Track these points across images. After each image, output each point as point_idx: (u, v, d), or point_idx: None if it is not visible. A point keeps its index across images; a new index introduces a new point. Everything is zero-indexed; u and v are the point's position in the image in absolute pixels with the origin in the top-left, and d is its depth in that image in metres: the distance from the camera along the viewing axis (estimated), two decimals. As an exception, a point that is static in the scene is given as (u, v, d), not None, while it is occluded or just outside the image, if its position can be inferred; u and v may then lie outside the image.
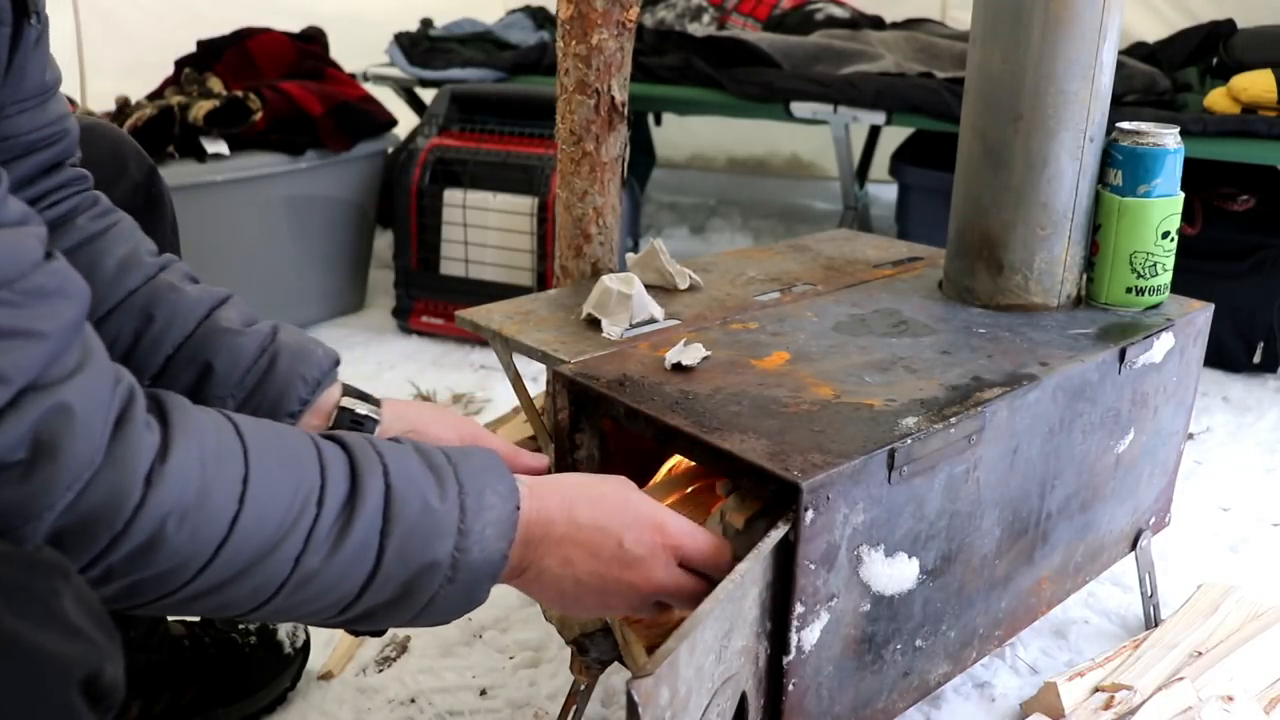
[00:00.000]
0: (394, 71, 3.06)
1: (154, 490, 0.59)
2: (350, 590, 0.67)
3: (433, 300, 2.55)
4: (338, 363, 0.98)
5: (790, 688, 0.92)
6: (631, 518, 0.79)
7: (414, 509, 0.68)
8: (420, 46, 3.11)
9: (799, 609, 0.90)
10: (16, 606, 0.52)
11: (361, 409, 0.96)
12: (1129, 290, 1.28)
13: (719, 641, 0.82)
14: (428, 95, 3.00)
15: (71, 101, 2.39)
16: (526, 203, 2.40)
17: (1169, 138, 1.25)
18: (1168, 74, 2.54)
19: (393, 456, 0.70)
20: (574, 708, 1.16)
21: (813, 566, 0.90)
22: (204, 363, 0.89)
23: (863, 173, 3.47)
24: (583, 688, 1.15)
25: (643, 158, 3.55)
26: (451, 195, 2.47)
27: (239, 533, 0.62)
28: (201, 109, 2.36)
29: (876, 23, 3.13)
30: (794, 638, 0.90)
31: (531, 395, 1.28)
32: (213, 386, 0.89)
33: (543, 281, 2.41)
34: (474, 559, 0.70)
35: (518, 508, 0.74)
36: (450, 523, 0.69)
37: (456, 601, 0.71)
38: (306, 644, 1.36)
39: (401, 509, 0.67)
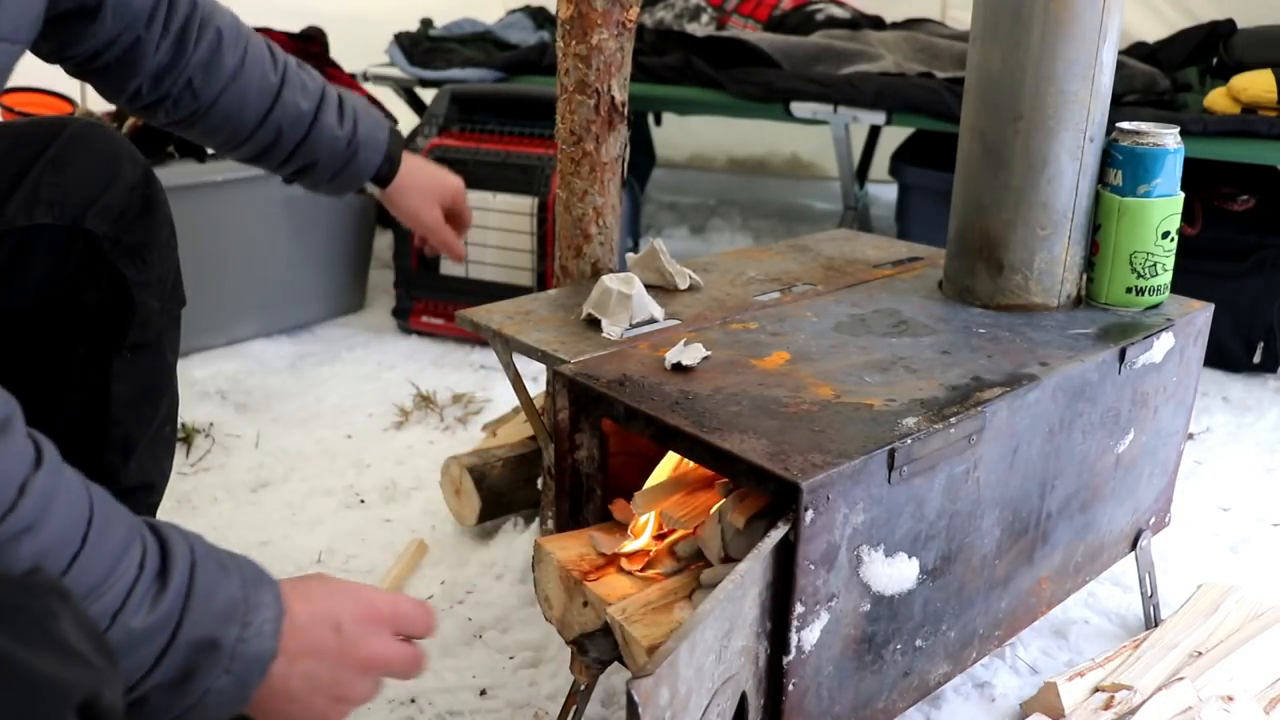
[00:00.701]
0: (394, 71, 3.06)
1: (23, 500, 0.62)
2: (144, 663, 0.67)
3: (433, 300, 2.55)
4: (394, 128, 1.37)
5: (790, 688, 0.92)
6: (352, 601, 0.80)
7: (212, 588, 0.70)
8: (420, 46, 3.11)
9: (799, 609, 0.90)
10: (13, 630, 0.52)
11: (372, 190, 1.39)
12: (1129, 290, 1.28)
13: (719, 641, 0.82)
14: (428, 95, 3.00)
15: (71, 102, 2.39)
16: (526, 203, 2.40)
17: (1169, 138, 1.25)
18: (1168, 74, 2.54)
19: (197, 542, 0.73)
20: (574, 708, 1.16)
21: (813, 566, 0.90)
22: (312, 160, 1.28)
23: (863, 173, 3.47)
24: (583, 688, 1.15)
25: (643, 158, 3.55)
26: (451, 195, 2.47)
27: (75, 571, 0.64)
28: (201, 109, 2.35)
29: (876, 23, 3.13)
30: (794, 638, 0.90)
31: (531, 395, 1.28)
32: (316, 174, 1.31)
33: (543, 281, 2.41)
34: (251, 650, 0.71)
35: (283, 614, 0.75)
36: (238, 611, 0.71)
37: (226, 698, 0.70)
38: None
39: (202, 587, 0.69)
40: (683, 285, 1.35)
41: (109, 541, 0.66)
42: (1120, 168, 1.26)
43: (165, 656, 0.67)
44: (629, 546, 1.08)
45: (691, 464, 1.12)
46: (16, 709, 0.50)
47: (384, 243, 3.02)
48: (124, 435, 1.12)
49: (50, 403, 1.08)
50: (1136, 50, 2.79)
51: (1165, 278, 1.29)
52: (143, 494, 1.17)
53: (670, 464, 1.19)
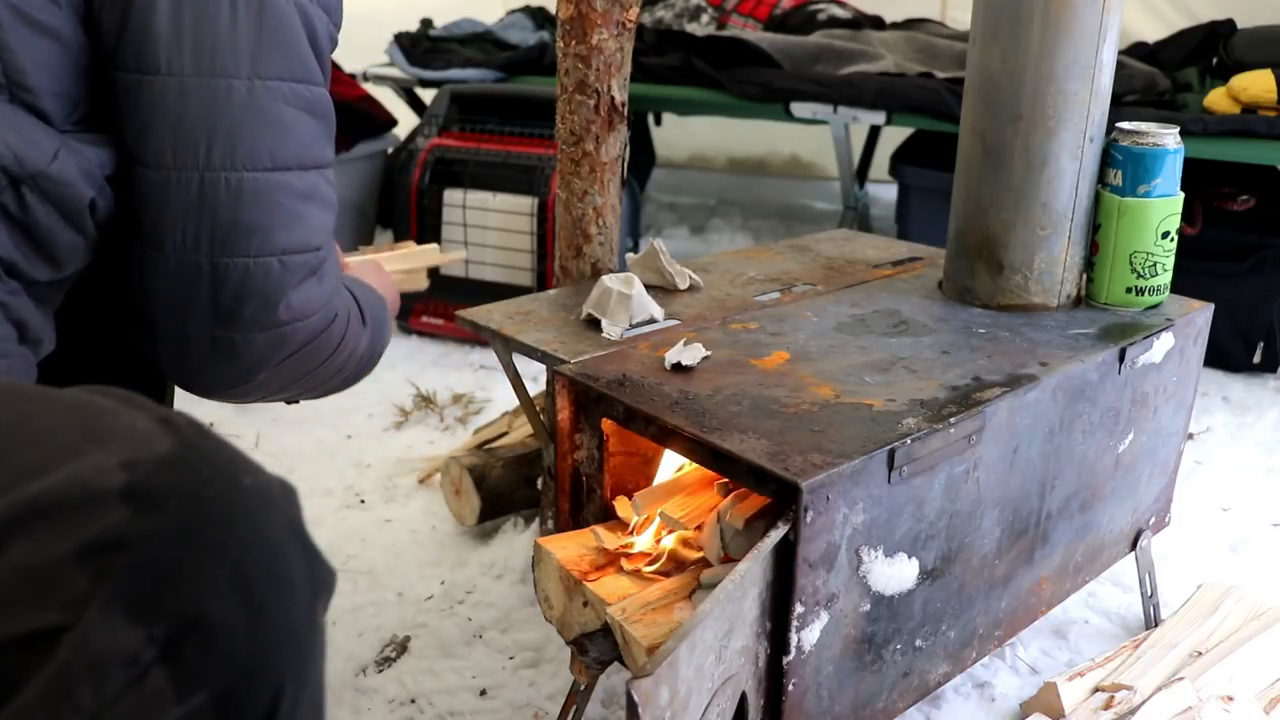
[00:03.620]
0: (394, 71, 3.06)
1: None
2: (355, 364, 1.03)
3: (433, 300, 2.55)
4: None
5: (790, 688, 0.92)
6: (392, 299, 1.21)
7: (378, 320, 1.05)
8: (420, 46, 3.11)
9: (799, 609, 0.90)
10: (296, 510, 0.59)
11: None
12: (1129, 290, 1.28)
13: (719, 641, 0.82)
14: (428, 95, 3.00)
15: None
16: (526, 203, 2.40)
17: (1169, 138, 1.25)
18: (1168, 74, 2.54)
19: (359, 289, 1.04)
20: (574, 708, 1.16)
21: (812, 567, 0.90)
22: None
23: (863, 173, 3.47)
24: (583, 688, 1.15)
25: (643, 158, 3.55)
26: (451, 195, 2.47)
27: (350, 332, 0.98)
28: (201, 109, 2.35)
29: (877, 23, 3.13)
30: (794, 638, 0.90)
31: (531, 395, 1.27)
32: None
33: (543, 281, 2.41)
34: (388, 342, 1.10)
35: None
36: (386, 326, 1.08)
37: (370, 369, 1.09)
38: (307, 644, 1.36)
39: (372, 320, 1.03)
40: (683, 285, 1.35)
41: (354, 309, 0.99)
42: (1120, 168, 1.26)
43: (362, 362, 1.04)
44: (630, 541, 1.08)
45: (695, 466, 1.12)
46: (310, 572, 0.58)
47: (384, 243, 3.02)
48: None
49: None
50: (1136, 50, 2.79)
51: (1165, 278, 1.29)
52: None
53: (674, 465, 1.19)
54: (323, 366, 0.97)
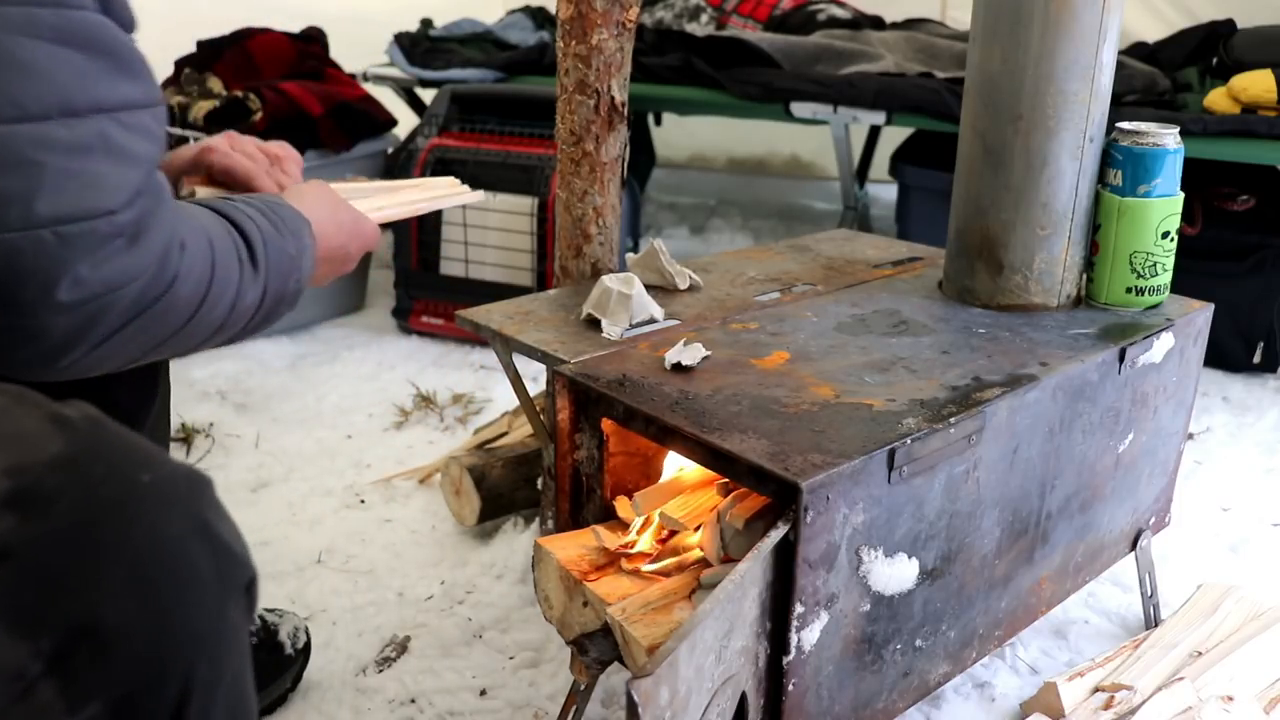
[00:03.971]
0: (394, 71, 3.06)
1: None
2: (250, 318, 0.88)
3: (433, 300, 2.55)
4: None
5: (790, 688, 0.92)
6: (356, 235, 1.06)
7: (279, 256, 0.90)
8: (420, 46, 3.11)
9: (799, 609, 0.90)
10: (206, 502, 0.57)
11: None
12: (1129, 290, 1.28)
13: (719, 641, 0.82)
14: (428, 95, 3.00)
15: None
16: (526, 203, 2.40)
17: (1169, 138, 1.25)
18: (1168, 74, 2.54)
19: (258, 219, 0.89)
20: (574, 708, 1.16)
21: (812, 567, 0.90)
22: None
23: (863, 173, 3.47)
24: (583, 688, 1.15)
25: (643, 158, 3.55)
26: (451, 195, 2.47)
27: (214, 289, 0.82)
28: (201, 109, 2.36)
29: (877, 23, 3.14)
30: (794, 638, 0.90)
31: (531, 395, 1.27)
32: None
33: (543, 281, 2.41)
34: (302, 285, 0.94)
35: (315, 250, 0.96)
36: (295, 263, 0.91)
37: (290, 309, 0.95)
38: (307, 645, 1.36)
39: (274, 259, 0.89)
40: (683, 285, 1.35)
41: (227, 260, 0.84)
42: (1120, 168, 1.26)
43: (257, 313, 0.88)
44: (631, 541, 1.08)
45: (696, 467, 1.12)
46: (217, 569, 0.55)
47: (384, 243, 3.02)
48: (126, 417, 1.12)
49: (47, 389, 1.08)
50: (1136, 50, 2.79)
51: (1165, 278, 1.29)
52: None
53: (677, 465, 1.19)
54: (186, 329, 0.82)
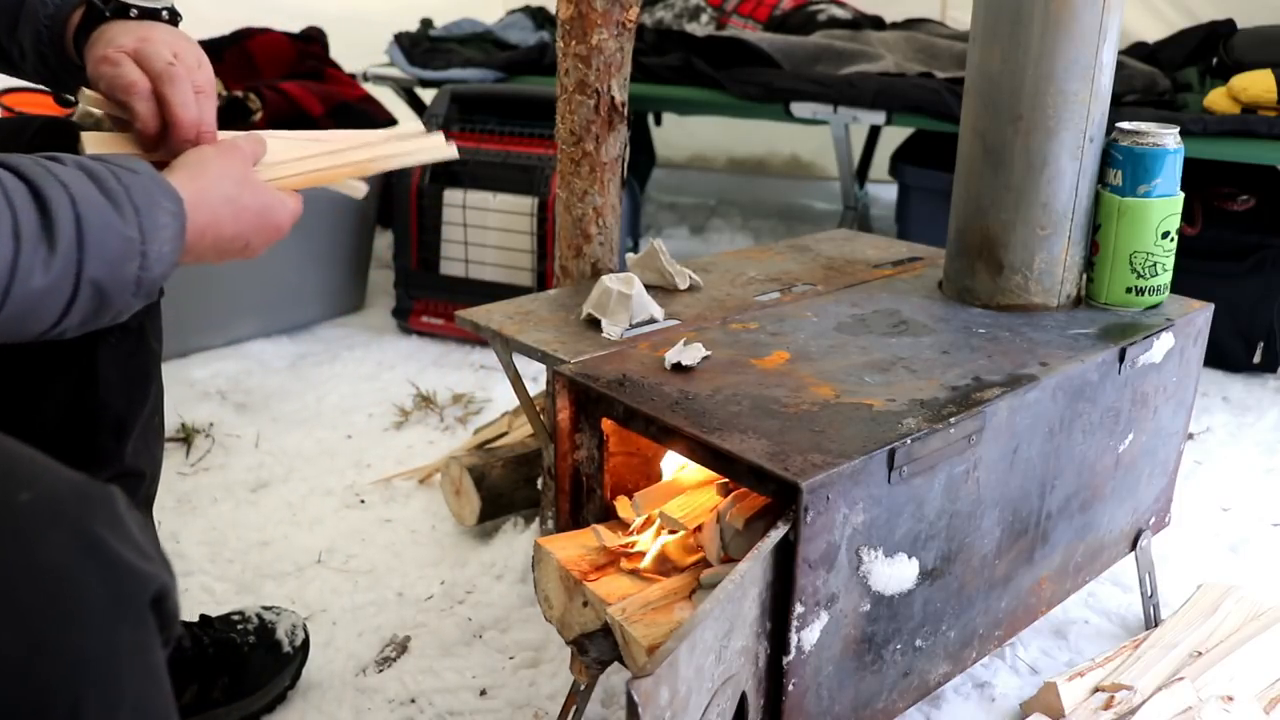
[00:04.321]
0: (394, 71, 3.06)
1: None
2: (53, 313, 0.73)
3: (433, 300, 2.55)
4: None
5: (790, 688, 0.92)
6: (261, 226, 0.90)
7: (104, 234, 0.73)
8: (420, 46, 3.11)
9: (799, 609, 0.90)
10: (102, 518, 0.54)
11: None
12: (1129, 290, 1.28)
13: (719, 641, 0.82)
14: (428, 95, 3.00)
15: (71, 103, 2.39)
16: (526, 203, 2.40)
17: (1169, 138, 1.25)
18: (1168, 74, 2.54)
19: (76, 186, 0.73)
20: (574, 708, 1.16)
21: (812, 567, 0.90)
22: None
23: (863, 173, 3.47)
24: (583, 688, 1.15)
25: (643, 158, 3.55)
26: (451, 195, 2.47)
27: None
28: (201, 109, 2.35)
29: (877, 23, 3.14)
30: (794, 638, 0.90)
31: (531, 395, 1.27)
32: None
33: (543, 281, 2.41)
34: (154, 274, 0.78)
35: (185, 222, 0.81)
36: (134, 248, 0.75)
37: (138, 306, 0.80)
38: (306, 644, 1.36)
39: (93, 236, 0.73)
40: (683, 285, 1.35)
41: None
42: (1120, 168, 1.26)
43: (73, 304, 0.73)
44: (631, 541, 1.08)
45: (697, 468, 1.12)
46: (107, 590, 0.52)
47: (384, 243, 3.02)
48: (116, 418, 1.12)
49: (40, 390, 1.08)
50: (1136, 50, 2.79)
51: (1165, 278, 1.29)
52: (136, 481, 1.17)
53: (678, 465, 1.19)
54: None
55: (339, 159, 0.99)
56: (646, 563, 1.06)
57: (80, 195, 0.72)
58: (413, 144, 1.03)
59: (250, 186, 0.89)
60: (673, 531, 1.09)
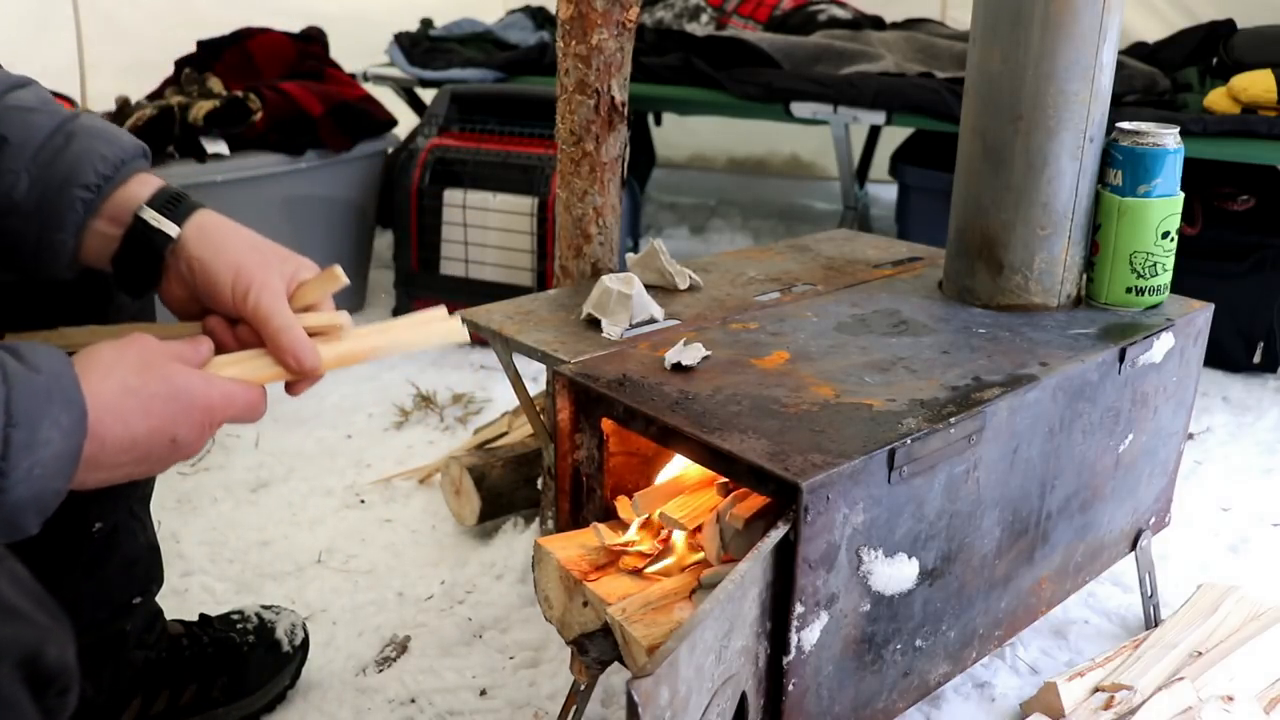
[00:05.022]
0: (394, 71, 3.06)
1: None
2: None
3: (433, 300, 2.54)
4: (147, 155, 0.91)
5: (790, 688, 0.92)
6: (182, 412, 0.77)
7: None
8: (420, 46, 3.11)
9: (799, 609, 0.90)
10: None
11: (158, 221, 0.86)
12: (1129, 290, 1.28)
13: (719, 641, 0.82)
14: (428, 95, 3.00)
15: (71, 101, 2.39)
16: (526, 203, 2.40)
17: (1169, 138, 1.25)
18: (1168, 74, 2.54)
19: None
20: (574, 708, 1.16)
21: (812, 567, 0.90)
22: None
23: (863, 173, 3.47)
24: (583, 688, 1.15)
25: (643, 158, 3.55)
26: (451, 195, 2.47)
27: None
28: (201, 109, 2.36)
29: (877, 23, 3.14)
30: (794, 638, 0.90)
31: (531, 395, 1.27)
32: (6, 160, 0.84)
33: (543, 281, 2.41)
34: (17, 497, 0.65)
35: (84, 440, 0.69)
36: None
37: None
38: (305, 643, 1.36)
39: None
40: (683, 285, 1.35)
41: None
42: (1120, 168, 1.26)
43: None
44: (630, 538, 1.08)
45: (697, 468, 1.12)
46: None
47: (384, 243, 3.02)
48: None
49: None
50: (1136, 50, 2.79)
51: (1165, 278, 1.29)
52: (131, 484, 1.17)
53: (680, 466, 1.19)
54: None
55: (340, 348, 0.92)
56: (659, 566, 1.06)
57: None
58: (423, 329, 0.97)
59: (155, 371, 0.76)
60: (672, 531, 1.09)
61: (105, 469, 0.73)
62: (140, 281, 0.89)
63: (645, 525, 1.11)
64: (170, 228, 0.87)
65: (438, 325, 0.96)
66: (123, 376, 0.74)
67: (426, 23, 3.30)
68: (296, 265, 0.90)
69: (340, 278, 0.90)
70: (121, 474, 0.75)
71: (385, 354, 0.94)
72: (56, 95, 2.34)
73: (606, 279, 1.22)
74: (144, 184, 0.88)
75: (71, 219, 0.85)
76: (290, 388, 0.91)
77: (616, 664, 1.04)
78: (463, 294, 2.45)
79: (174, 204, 0.88)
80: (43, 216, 0.85)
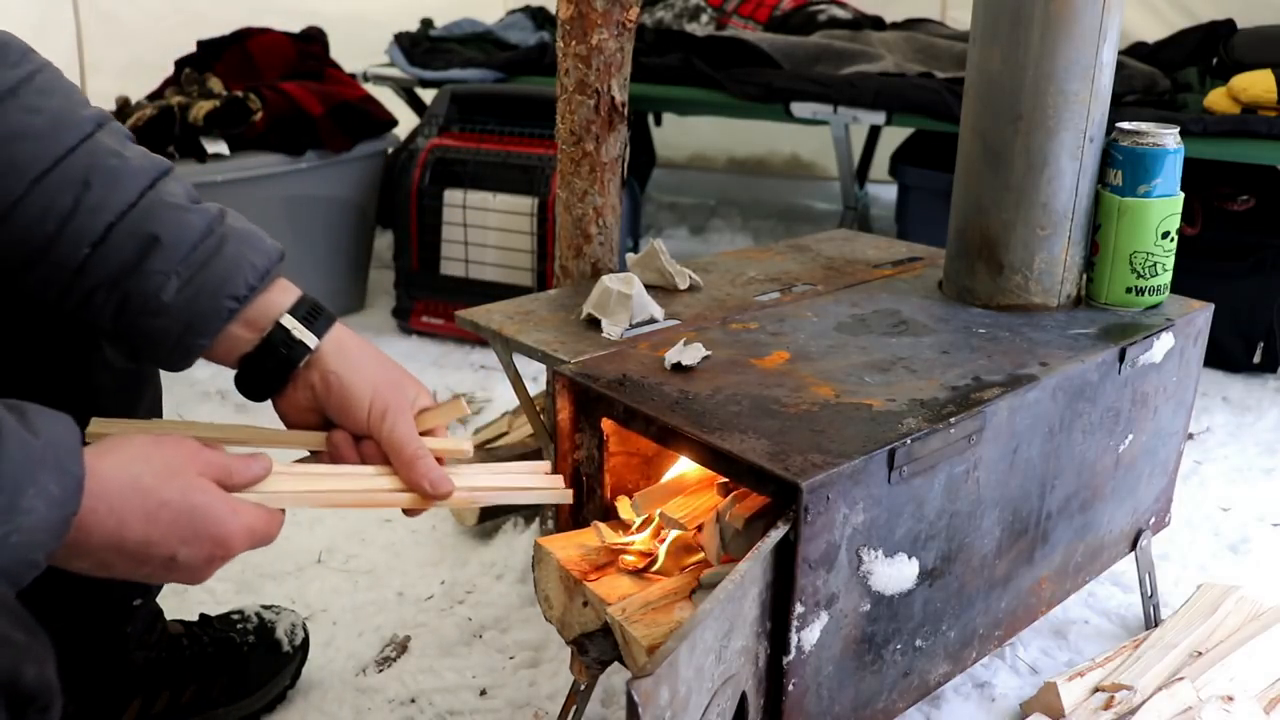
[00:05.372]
0: (394, 71, 3.06)
1: None
2: None
3: (433, 300, 2.55)
4: (283, 255, 0.91)
5: (790, 688, 0.92)
6: (190, 533, 0.73)
7: None
8: (420, 47, 3.11)
9: (799, 609, 0.90)
10: None
11: (300, 332, 0.87)
12: (1129, 290, 1.28)
13: (719, 641, 0.82)
14: (428, 95, 3.00)
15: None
16: (526, 203, 2.40)
17: (1169, 138, 1.25)
18: (1168, 74, 2.54)
19: None
20: (574, 708, 1.16)
21: (812, 567, 0.90)
22: (149, 235, 0.82)
23: (863, 173, 3.46)
24: (583, 688, 1.15)
25: (643, 158, 3.55)
26: (451, 195, 2.47)
27: None
28: (201, 109, 2.36)
29: (877, 23, 3.14)
30: (794, 638, 0.90)
31: (531, 395, 1.27)
32: (157, 261, 0.83)
33: (543, 281, 2.41)
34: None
35: (74, 514, 0.66)
36: None
37: None
38: (305, 643, 1.36)
39: None
40: (683, 285, 1.35)
41: None
42: (1120, 168, 1.26)
43: None
44: (630, 538, 1.08)
45: (697, 469, 1.12)
46: None
47: (384, 243, 3.02)
48: None
49: (34, 396, 1.07)
50: (1136, 50, 2.79)
51: (1165, 278, 1.29)
52: None
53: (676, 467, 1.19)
54: None
55: (467, 484, 0.92)
56: (658, 565, 1.06)
57: None
58: (532, 491, 0.97)
59: (177, 479, 0.73)
60: (672, 531, 1.09)
61: (89, 560, 0.70)
62: (263, 387, 0.89)
63: (645, 525, 1.11)
64: (311, 339, 0.88)
65: (545, 491, 0.97)
66: (139, 473, 0.71)
67: (426, 23, 3.30)
68: (418, 390, 0.92)
69: (464, 409, 0.94)
70: (110, 572, 0.71)
71: (495, 501, 0.98)
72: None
73: (606, 279, 1.22)
74: (285, 291, 0.89)
75: (217, 326, 0.85)
76: (409, 511, 0.95)
77: (616, 664, 1.04)
78: (463, 294, 2.45)
79: (314, 315, 0.89)
80: (188, 320, 0.84)
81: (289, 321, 0.87)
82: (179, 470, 0.74)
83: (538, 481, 0.97)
